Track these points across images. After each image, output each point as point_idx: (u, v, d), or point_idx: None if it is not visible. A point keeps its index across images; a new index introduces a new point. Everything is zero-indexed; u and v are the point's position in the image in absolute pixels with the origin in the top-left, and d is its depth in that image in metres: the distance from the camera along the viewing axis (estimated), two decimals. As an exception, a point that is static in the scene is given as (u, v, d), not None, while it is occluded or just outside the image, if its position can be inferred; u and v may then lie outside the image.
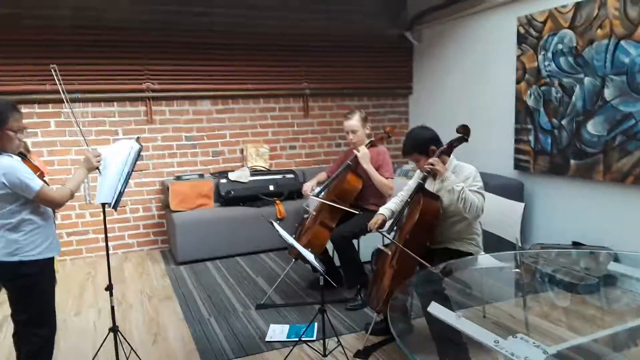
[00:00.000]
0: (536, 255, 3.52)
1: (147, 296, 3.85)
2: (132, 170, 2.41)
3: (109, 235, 4.98)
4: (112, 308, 2.50)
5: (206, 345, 2.94)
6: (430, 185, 2.75)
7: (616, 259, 3.57)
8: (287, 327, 3.13)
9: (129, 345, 2.65)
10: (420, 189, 2.66)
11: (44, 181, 2.22)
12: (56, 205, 2.16)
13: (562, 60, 3.78)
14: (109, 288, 2.47)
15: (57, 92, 4.47)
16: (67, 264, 4.77)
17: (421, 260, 2.45)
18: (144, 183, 5.06)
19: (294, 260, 3.65)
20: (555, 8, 3.79)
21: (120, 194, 2.35)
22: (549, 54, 3.88)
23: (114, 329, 2.49)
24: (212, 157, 5.30)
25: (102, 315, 3.50)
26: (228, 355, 2.80)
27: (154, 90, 4.92)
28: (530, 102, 4.12)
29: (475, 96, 4.87)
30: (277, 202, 4.88)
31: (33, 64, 4.44)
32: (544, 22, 3.90)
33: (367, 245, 3.79)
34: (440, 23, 5.26)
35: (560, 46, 3.78)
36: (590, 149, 3.63)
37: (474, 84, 4.88)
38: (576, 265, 3.39)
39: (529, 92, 4.12)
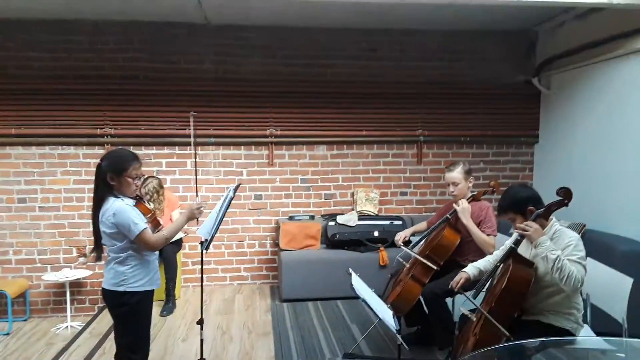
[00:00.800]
0: None
1: (248, 330, 4.09)
2: (227, 209, 2.61)
3: (228, 266, 5.44)
4: (202, 341, 2.73)
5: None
6: (526, 250, 2.54)
7: None
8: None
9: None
10: (511, 253, 2.48)
11: (158, 221, 2.55)
12: (151, 248, 2.43)
13: None
14: (200, 322, 2.70)
15: (196, 136, 5.16)
16: (189, 290, 5.28)
17: (504, 331, 2.27)
18: (262, 220, 5.43)
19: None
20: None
21: (213, 236, 2.58)
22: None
23: (202, 360, 2.71)
24: (324, 199, 5.51)
25: (206, 344, 3.80)
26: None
27: (276, 136, 5.32)
28: (671, 158, 3.59)
29: (609, 147, 4.38)
30: (381, 248, 4.86)
31: (177, 111, 5.12)
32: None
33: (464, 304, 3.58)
34: (572, 69, 4.88)
35: None
36: None
37: (608, 134, 4.40)
38: None
39: (669, 147, 3.61)
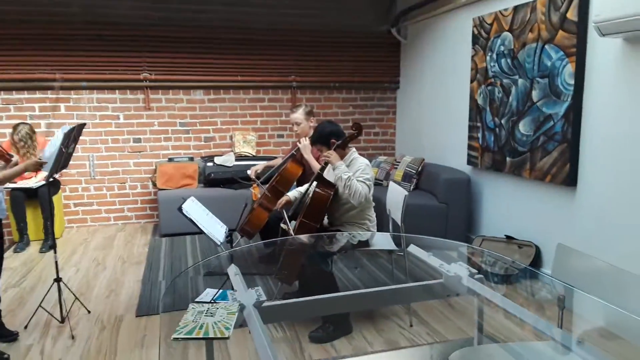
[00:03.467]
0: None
1: (122, 261, 4.45)
2: (61, 147, 2.86)
3: (111, 207, 5.66)
4: (56, 263, 3.06)
5: (145, 302, 3.46)
6: (332, 175, 3.09)
7: (537, 253, 3.77)
8: (220, 291, 3.58)
9: (73, 294, 3.22)
10: (317, 177, 3.02)
11: (7, 159, 2.76)
12: None
13: (503, 61, 3.96)
14: (54, 247, 3.03)
15: (68, 80, 5.19)
16: (73, 230, 5.48)
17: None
18: (142, 163, 5.67)
19: (240, 237, 4.09)
20: (500, 11, 3.96)
21: (55, 166, 2.85)
22: (494, 55, 4.06)
23: (58, 279, 3.06)
24: (204, 142, 5.83)
25: (80, 273, 4.12)
26: (157, 311, 3.31)
27: (150, 80, 5.49)
28: (480, 100, 4.31)
29: (444, 93, 5.07)
30: (254, 185, 5.33)
31: (47, 55, 5.11)
32: (492, 24, 4.07)
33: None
34: (421, 20, 5.46)
35: (502, 48, 3.95)
36: (521, 148, 3.80)
37: (443, 82, 5.08)
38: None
39: (479, 91, 4.31)
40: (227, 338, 1.34)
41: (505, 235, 4.02)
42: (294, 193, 3.27)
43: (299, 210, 3.10)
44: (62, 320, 3.06)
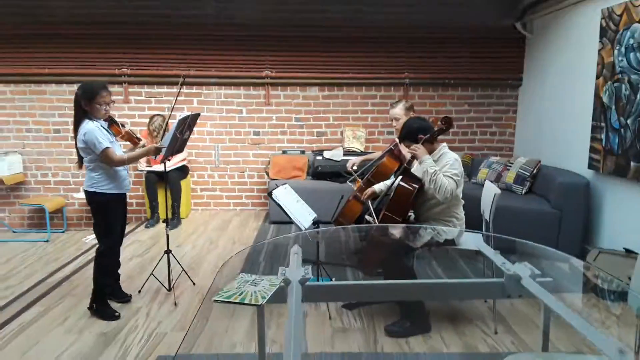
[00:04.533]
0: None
1: (233, 241, 4.86)
2: (175, 132, 3.22)
3: (231, 194, 6.18)
4: (167, 236, 3.47)
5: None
6: (420, 170, 3.06)
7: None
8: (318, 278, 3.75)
9: (181, 266, 3.63)
10: (403, 171, 3.00)
11: (135, 141, 3.22)
12: (111, 164, 3.01)
13: (631, 55, 3.52)
14: (166, 221, 3.45)
15: (199, 76, 5.78)
16: (198, 212, 6.11)
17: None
18: (260, 154, 6.10)
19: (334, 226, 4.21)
20: (630, 1, 3.52)
21: (169, 148, 3.23)
22: (622, 49, 3.62)
23: (168, 251, 3.47)
24: (316, 136, 6.08)
25: (195, 249, 4.61)
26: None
27: (271, 77, 5.88)
28: (605, 98, 3.88)
29: (567, 90, 4.65)
30: (358, 180, 5.42)
31: (182, 54, 5.76)
32: (621, 15, 3.64)
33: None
34: (549, 13, 5.05)
35: (631, 41, 3.52)
36: (649, 152, 3.36)
37: (568, 78, 4.65)
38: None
39: (604, 88, 3.88)
40: (260, 305, 1.44)
41: (624, 249, 3.58)
42: (380, 186, 3.30)
43: (383, 203, 3.12)
44: (169, 289, 3.47)
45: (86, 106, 2.98)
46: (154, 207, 5.50)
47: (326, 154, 5.74)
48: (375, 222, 3.12)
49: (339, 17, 5.73)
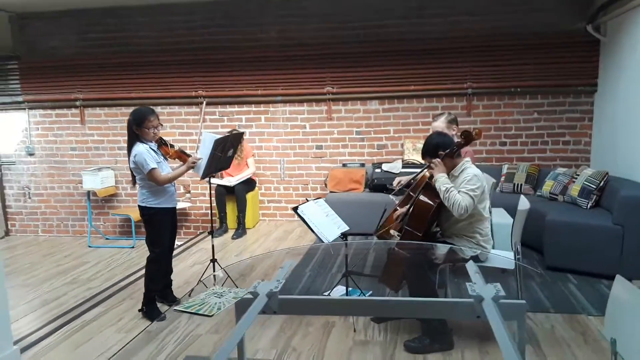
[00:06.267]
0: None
1: (287, 251, 5.08)
2: (214, 152, 3.50)
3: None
4: (213, 246, 3.77)
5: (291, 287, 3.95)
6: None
7: None
8: (347, 290, 3.83)
9: (226, 273, 3.91)
10: (425, 186, 3.00)
11: (184, 158, 3.57)
12: (157, 183, 3.36)
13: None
14: (211, 232, 3.74)
15: (267, 95, 6.14)
16: (264, 223, 6.44)
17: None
18: (322, 167, 6.30)
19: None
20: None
21: (207, 168, 3.52)
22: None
23: (213, 260, 3.77)
24: (377, 149, 6.14)
25: (252, 258, 4.90)
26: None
27: (333, 93, 6.07)
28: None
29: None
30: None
31: (250, 74, 6.16)
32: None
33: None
34: (623, 13, 4.66)
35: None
36: None
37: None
38: None
39: (671, 92, 3.52)
40: (211, 316, 1.60)
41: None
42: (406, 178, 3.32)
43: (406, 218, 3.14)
44: (214, 293, 3.77)
45: (137, 130, 3.37)
46: (222, 218, 5.92)
47: (385, 167, 5.78)
48: (396, 235, 3.15)
49: (397, 30, 5.77)
